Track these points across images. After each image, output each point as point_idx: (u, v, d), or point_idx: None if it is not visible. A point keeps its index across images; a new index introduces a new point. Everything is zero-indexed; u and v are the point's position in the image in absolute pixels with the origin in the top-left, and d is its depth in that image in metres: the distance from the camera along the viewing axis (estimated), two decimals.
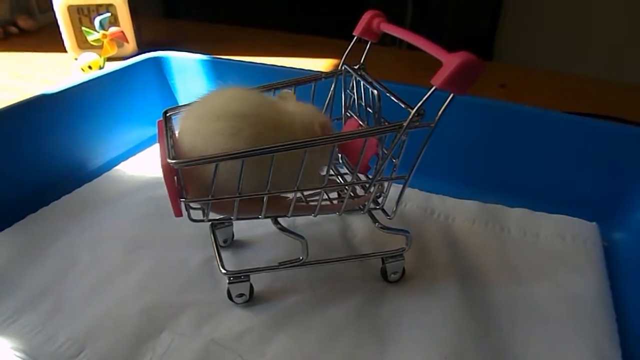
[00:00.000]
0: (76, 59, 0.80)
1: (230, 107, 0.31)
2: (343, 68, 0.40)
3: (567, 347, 0.33)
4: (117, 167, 0.53)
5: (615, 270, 0.40)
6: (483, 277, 0.39)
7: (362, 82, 0.37)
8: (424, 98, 0.30)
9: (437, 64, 0.29)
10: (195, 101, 0.34)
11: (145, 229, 0.44)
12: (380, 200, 0.37)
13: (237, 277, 0.35)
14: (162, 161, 0.30)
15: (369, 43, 0.39)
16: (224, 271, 0.35)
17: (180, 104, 0.36)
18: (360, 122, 0.39)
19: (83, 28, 0.75)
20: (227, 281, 0.35)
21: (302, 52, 0.85)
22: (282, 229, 0.35)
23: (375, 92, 0.34)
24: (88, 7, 0.79)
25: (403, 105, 0.33)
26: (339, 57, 0.40)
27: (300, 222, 0.45)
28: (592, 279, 0.39)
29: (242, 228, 0.43)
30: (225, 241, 0.42)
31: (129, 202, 0.47)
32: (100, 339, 0.33)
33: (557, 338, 0.34)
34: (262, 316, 0.35)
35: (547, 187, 0.48)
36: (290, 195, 0.35)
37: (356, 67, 0.39)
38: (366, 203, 0.36)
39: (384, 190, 0.36)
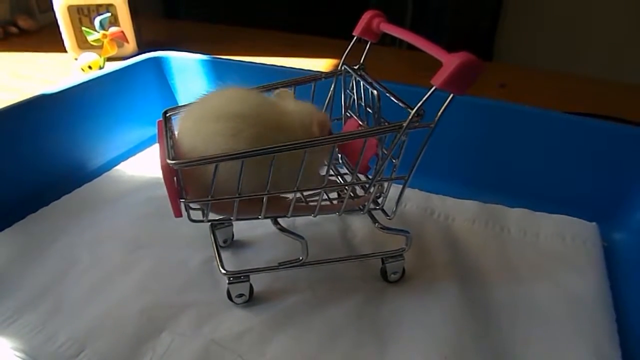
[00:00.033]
0: (76, 59, 0.80)
1: (230, 108, 0.31)
2: (343, 68, 0.40)
3: (567, 347, 0.33)
4: (117, 167, 0.53)
5: (615, 270, 0.40)
6: (483, 277, 0.39)
7: (361, 82, 0.37)
8: (424, 98, 0.30)
9: (437, 64, 0.29)
10: (195, 102, 0.33)
11: (145, 229, 0.44)
12: (380, 200, 0.37)
13: (237, 277, 0.35)
14: (161, 162, 0.30)
15: (369, 43, 0.39)
16: (223, 271, 0.35)
17: (180, 104, 0.36)
18: (360, 123, 0.39)
19: (83, 28, 0.75)
20: (227, 281, 0.35)
21: (302, 52, 0.85)
22: (282, 229, 0.35)
23: (375, 92, 0.34)
24: (88, 7, 0.79)
25: (403, 106, 0.33)
26: (338, 57, 0.40)
27: (300, 222, 0.45)
28: (592, 279, 0.39)
29: (241, 228, 0.43)
30: (225, 241, 0.42)
31: (129, 202, 0.47)
32: (100, 339, 0.33)
33: (557, 338, 0.34)
34: (262, 316, 0.35)
35: (547, 187, 0.48)
36: (290, 196, 0.35)
37: (356, 67, 0.39)
38: (366, 203, 0.36)
39: (384, 191, 0.36)
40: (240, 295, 0.36)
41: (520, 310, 0.36)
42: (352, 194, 0.37)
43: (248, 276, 0.36)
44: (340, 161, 0.41)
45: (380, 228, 0.37)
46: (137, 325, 0.34)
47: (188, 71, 0.61)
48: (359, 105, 0.38)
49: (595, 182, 0.46)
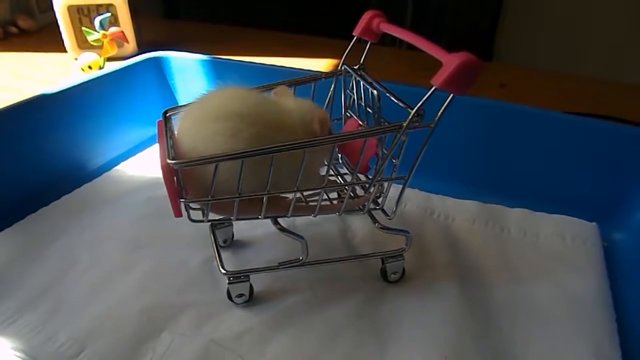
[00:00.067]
0: (76, 59, 0.80)
1: (229, 108, 0.31)
2: (343, 68, 0.40)
3: (567, 347, 0.33)
4: (117, 167, 0.53)
5: (615, 270, 0.40)
6: (483, 277, 0.39)
7: (361, 82, 0.37)
8: (424, 98, 0.30)
9: (437, 64, 0.29)
10: (194, 101, 0.33)
11: (145, 229, 0.44)
12: (380, 200, 0.37)
13: (237, 277, 0.35)
14: (161, 161, 0.30)
15: (369, 43, 0.39)
16: (223, 271, 0.35)
17: (180, 104, 0.36)
18: (360, 123, 0.39)
19: (83, 28, 0.75)
20: (227, 281, 0.35)
21: (302, 52, 0.85)
22: (282, 229, 0.35)
23: (375, 92, 0.34)
24: (88, 7, 0.79)
25: (403, 106, 0.33)
26: (338, 57, 0.40)
27: (300, 222, 0.45)
28: (592, 279, 0.39)
29: (242, 228, 0.43)
30: (225, 241, 0.42)
31: (129, 202, 0.47)
32: (100, 339, 0.33)
33: (557, 338, 0.34)
34: (262, 316, 0.35)
35: (547, 187, 0.48)
36: (290, 196, 0.35)
37: (356, 67, 0.39)
38: (366, 203, 0.36)
39: (384, 191, 0.36)
40: (240, 295, 0.36)
41: (520, 310, 0.36)
42: (352, 194, 0.37)
43: (248, 276, 0.36)
44: (340, 161, 0.41)
45: (380, 228, 0.37)
46: (137, 325, 0.34)
47: (188, 71, 0.61)
48: (359, 105, 0.38)
49: (595, 182, 0.46)
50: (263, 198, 0.32)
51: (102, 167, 0.53)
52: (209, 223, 0.35)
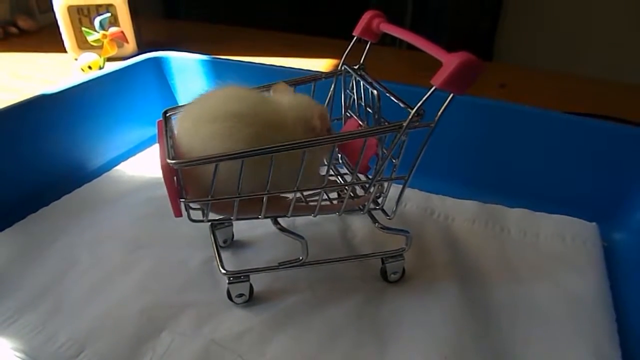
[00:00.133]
0: (76, 59, 0.80)
1: (227, 108, 0.31)
2: (343, 68, 0.40)
3: (567, 347, 0.33)
4: (117, 167, 0.53)
5: (615, 270, 0.40)
6: (483, 278, 0.39)
7: (361, 82, 0.37)
8: (424, 98, 0.30)
9: (437, 64, 0.29)
10: (192, 101, 0.33)
11: (145, 229, 0.44)
12: (380, 200, 0.37)
13: (237, 277, 0.35)
14: (161, 161, 0.30)
15: (369, 43, 0.39)
16: (223, 271, 0.35)
17: (180, 104, 0.36)
18: (360, 122, 0.39)
19: (83, 28, 0.75)
20: (227, 281, 0.35)
21: (301, 52, 0.85)
22: (282, 229, 0.35)
23: (375, 92, 0.34)
24: (88, 7, 0.79)
25: (403, 106, 0.33)
26: (338, 57, 0.40)
27: (300, 222, 0.45)
28: (592, 279, 0.39)
29: (242, 228, 0.43)
30: (225, 241, 0.42)
31: (129, 202, 0.47)
32: (101, 339, 0.33)
33: (557, 338, 0.34)
34: (262, 316, 0.35)
35: (547, 187, 0.48)
36: (290, 196, 0.35)
37: (356, 67, 0.39)
38: (366, 203, 0.36)
39: (384, 191, 0.36)
40: (240, 295, 0.36)
41: (520, 310, 0.36)
42: (352, 194, 0.37)
43: (248, 276, 0.36)
44: (340, 161, 0.41)
45: (380, 228, 0.37)
46: (137, 325, 0.34)
47: (188, 71, 0.61)
48: (359, 105, 0.38)
49: (595, 182, 0.46)
50: (263, 198, 0.32)
51: (102, 167, 0.53)
52: (209, 223, 0.35)
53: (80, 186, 0.49)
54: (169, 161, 0.29)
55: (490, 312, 0.36)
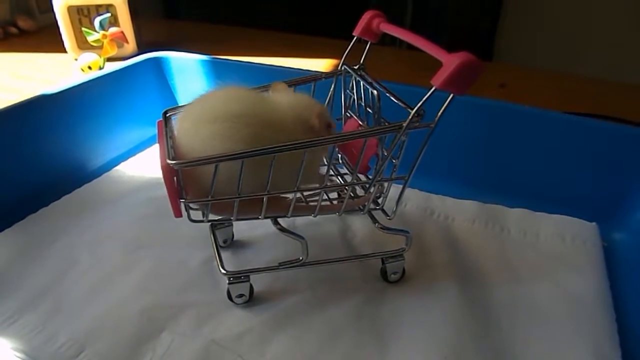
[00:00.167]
0: (76, 60, 0.80)
1: (226, 108, 0.31)
2: (343, 68, 0.40)
3: (567, 347, 0.33)
4: (117, 168, 0.53)
5: (615, 270, 0.40)
6: (483, 278, 0.39)
7: (361, 82, 0.37)
8: (424, 98, 0.30)
9: (437, 64, 0.29)
10: (192, 102, 0.33)
11: (145, 230, 0.44)
12: (380, 200, 0.37)
13: (237, 277, 0.35)
14: (161, 162, 0.30)
15: (369, 43, 0.39)
16: (223, 271, 0.35)
17: (180, 104, 0.36)
18: (360, 123, 0.39)
19: (83, 28, 0.75)
20: (227, 281, 0.35)
21: (301, 52, 0.85)
22: (282, 230, 0.35)
23: (375, 92, 0.34)
24: (88, 7, 0.79)
25: (403, 106, 0.33)
26: (338, 57, 0.40)
27: (300, 222, 0.45)
28: (592, 279, 0.39)
29: (242, 228, 0.43)
30: (225, 241, 0.42)
31: (129, 202, 0.47)
32: (101, 339, 0.33)
33: (557, 338, 0.34)
34: (262, 316, 0.35)
35: (547, 187, 0.48)
36: (290, 196, 0.35)
37: (356, 67, 0.39)
38: (366, 203, 0.36)
39: (384, 191, 0.36)
40: (241, 296, 0.36)
41: (520, 310, 0.36)
42: (352, 194, 0.37)
43: (248, 276, 0.36)
44: (340, 161, 0.41)
45: (380, 228, 0.37)
46: (137, 326, 0.34)
47: (188, 71, 0.61)
48: (359, 105, 0.38)
49: (595, 182, 0.46)
50: (263, 198, 0.32)
51: (102, 168, 0.53)
52: (209, 223, 0.35)
53: (80, 186, 0.49)
54: (169, 162, 0.29)
55: (490, 312, 0.36)
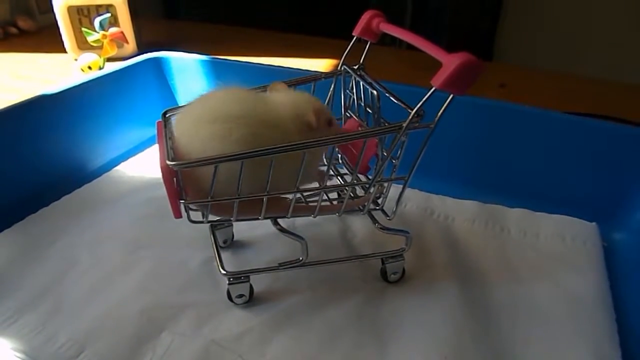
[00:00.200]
0: (76, 60, 0.80)
1: (224, 109, 0.31)
2: (342, 68, 0.40)
3: (567, 347, 0.33)
4: (117, 168, 0.53)
5: (615, 271, 0.40)
6: (483, 278, 0.39)
7: (361, 83, 0.37)
8: (424, 99, 0.30)
9: (437, 64, 0.29)
10: (190, 104, 0.33)
11: (145, 230, 0.44)
12: (380, 200, 0.37)
13: (237, 277, 0.35)
14: (161, 163, 0.30)
15: (369, 43, 0.39)
16: (223, 272, 0.35)
17: (179, 105, 0.36)
18: (360, 123, 0.39)
19: (83, 29, 0.75)
20: (227, 282, 0.35)
21: (301, 52, 0.85)
22: (282, 230, 0.35)
23: (375, 92, 0.34)
24: (88, 7, 0.79)
25: (403, 106, 0.33)
26: (338, 57, 0.40)
27: (300, 222, 0.45)
28: (592, 279, 0.39)
29: (241, 229, 0.43)
30: (225, 242, 0.42)
31: (129, 202, 0.47)
32: (101, 339, 0.33)
33: (557, 338, 0.34)
34: (262, 317, 0.35)
35: (547, 187, 0.48)
36: (290, 196, 0.35)
37: (356, 67, 0.39)
38: (366, 204, 0.36)
39: (384, 191, 0.36)
40: (241, 296, 0.36)
41: (520, 310, 0.36)
42: (352, 195, 0.36)
43: (248, 277, 0.36)
44: (340, 161, 0.41)
45: (380, 228, 0.37)
46: (137, 326, 0.34)
47: (188, 71, 0.61)
48: (359, 105, 0.38)
49: (595, 182, 0.46)
50: (263, 199, 0.32)
51: (102, 168, 0.53)
52: (209, 224, 0.35)
53: (80, 187, 0.49)
54: (168, 162, 0.29)
55: (490, 312, 0.36)
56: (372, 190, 0.35)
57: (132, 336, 0.33)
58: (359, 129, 0.38)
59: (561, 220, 0.45)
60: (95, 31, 0.74)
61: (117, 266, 0.39)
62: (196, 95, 0.34)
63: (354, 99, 0.39)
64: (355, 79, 0.38)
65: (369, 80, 0.36)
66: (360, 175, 0.36)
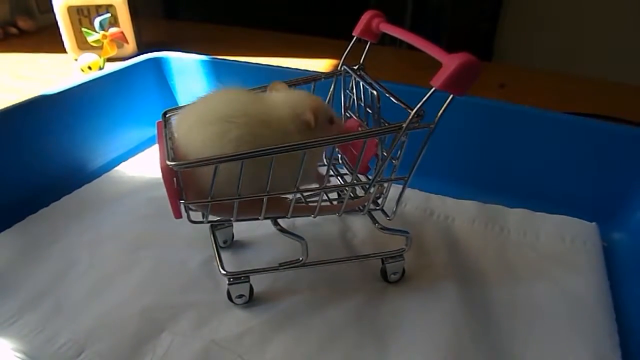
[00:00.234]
0: (76, 60, 0.80)
1: (225, 109, 0.31)
2: (342, 68, 0.40)
3: (566, 347, 0.33)
4: (117, 168, 0.53)
5: (615, 271, 0.40)
6: (483, 278, 0.39)
7: (361, 83, 0.37)
8: (424, 99, 0.30)
9: (437, 64, 0.29)
10: (191, 103, 0.33)
11: (146, 230, 0.44)
12: (380, 201, 0.37)
13: (237, 278, 0.35)
14: (161, 163, 0.30)
15: (369, 43, 0.39)
16: (223, 272, 0.35)
17: (179, 105, 0.36)
18: (360, 123, 0.39)
19: (83, 29, 0.75)
20: (227, 282, 0.35)
21: (301, 52, 0.85)
22: (282, 230, 0.35)
23: (375, 92, 0.34)
24: (88, 7, 0.79)
25: (403, 106, 0.33)
26: (338, 57, 0.40)
27: (300, 222, 0.45)
28: (592, 280, 0.39)
29: (241, 229, 0.43)
30: (225, 242, 0.42)
31: (129, 203, 0.47)
32: (101, 339, 0.33)
33: (557, 338, 0.34)
34: (262, 317, 0.35)
35: (547, 187, 0.48)
36: (290, 196, 0.35)
37: (356, 68, 0.39)
38: (366, 204, 0.36)
39: (384, 191, 0.36)
40: (241, 296, 0.36)
41: (520, 311, 0.36)
42: (352, 195, 0.36)
43: (248, 277, 0.36)
44: (340, 161, 0.41)
45: (380, 228, 0.37)
46: (138, 326, 0.34)
47: (188, 72, 0.61)
48: (359, 105, 0.38)
49: (595, 182, 0.46)
50: (263, 199, 0.32)
51: (102, 168, 0.53)
52: (209, 224, 0.35)
53: (80, 187, 0.49)
54: (168, 163, 0.29)
55: (490, 312, 0.36)
56: (372, 190, 0.35)
57: (132, 336, 0.33)
58: (359, 129, 0.38)
59: (561, 221, 0.45)
60: (95, 31, 0.74)
61: (117, 266, 0.39)
62: (196, 95, 0.34)
63: (354, 99, 0.39)
64: (355, 79, 0.38)
65: (369, 80, 0.36)
66: (360, 176, 0.36)
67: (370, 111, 0.36)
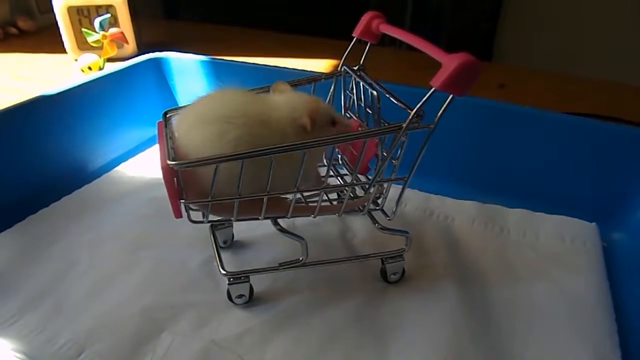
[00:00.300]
0: (76, 60, 0.80)
1: (225, 110, 0.31)
2: (342, 69, 0.40)
3: (566, 347, 0.33)
4: (117, 168, 0.54)
5: (615, 271, 0.40)
6: (483, 278, 0.39)
7: (361, 83, 0.37)
8: (423, 99, 0.30)
9: (436, 64, 0.29)
10: (191, 103, 0.33)
11: (146, 230, 0.44)
12: (379, 201, 0.37)
13: (237, 278, 0.35)
14: (161, 163, 0.30)
15: (369, 44, 0.39)
16: (224, 272, 0.35)
17: (180, 105, 0.36)
18: (360, 123, 0.39)
19: (83, 29, 0.75)
20: (227, 282, 0.35)
21: (301, 52, 0.85)
22: (282, 230, 0.35)
23: (375, 93, 0.34)
24: (88, 8, 0.79)
25: (402, 106, 0.33)
26: (338, 57, 0.40)
27: (300, 222, 0.45)
28: (592, 280, 0.39)
29: (242, 229, 0.43)
30: (225, 242, 0.42)
31: (129, 203, 0.47)
32: (101, 339, 0.33)
33: (557, 338, 0.34)
34: (262, 317, 0.35)
35: (547, 187, 0.48)
36: (290, 196, 0.35)
37: (356, 68, 0.39)
38: (366, 204, 0.36)
39: (384, 191, 0.36)
40: (241, 296, 0.36)
41: (520, 311, 0.36)
42: (351, 195, 0.37)
43: (248, 277, 0.36)
44: (340, 162, 0.41)
45: (380, 228, 0.37)
46: (138, 326, 0.34)
47: (188, 72, 0.61)
48: (359, 106, 0.38)
49: (594, 182, 0.46)
50: (263, 199, 0.32)
51: (102, 168, 0.53)
52: (209, 224, 0.35)
53: (80, 187, 0.50)
54: (169, 162, 0.29)
55: (490, 313, 0.36)
56: (372, 190, 0.35)
57: (132, 336, 0.33)
58: (359, 129, 0.38)
59: (561, 221, 0.45)
60: (95, 31, 0.74)
61: (117, 266, 0.39)
62: (196, 95, 0.34)
63: (354, 99, 0.39)
64: (355, 79, 0.38)
65: (369, 80, 0.36)
66: (360, 176, 0.36)
67: (370, 111, 0.36)
